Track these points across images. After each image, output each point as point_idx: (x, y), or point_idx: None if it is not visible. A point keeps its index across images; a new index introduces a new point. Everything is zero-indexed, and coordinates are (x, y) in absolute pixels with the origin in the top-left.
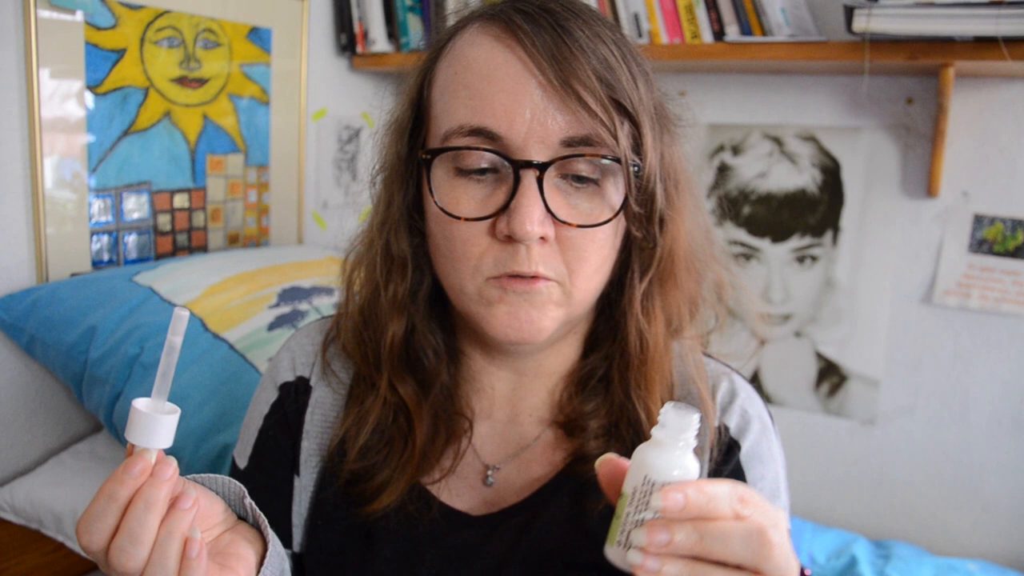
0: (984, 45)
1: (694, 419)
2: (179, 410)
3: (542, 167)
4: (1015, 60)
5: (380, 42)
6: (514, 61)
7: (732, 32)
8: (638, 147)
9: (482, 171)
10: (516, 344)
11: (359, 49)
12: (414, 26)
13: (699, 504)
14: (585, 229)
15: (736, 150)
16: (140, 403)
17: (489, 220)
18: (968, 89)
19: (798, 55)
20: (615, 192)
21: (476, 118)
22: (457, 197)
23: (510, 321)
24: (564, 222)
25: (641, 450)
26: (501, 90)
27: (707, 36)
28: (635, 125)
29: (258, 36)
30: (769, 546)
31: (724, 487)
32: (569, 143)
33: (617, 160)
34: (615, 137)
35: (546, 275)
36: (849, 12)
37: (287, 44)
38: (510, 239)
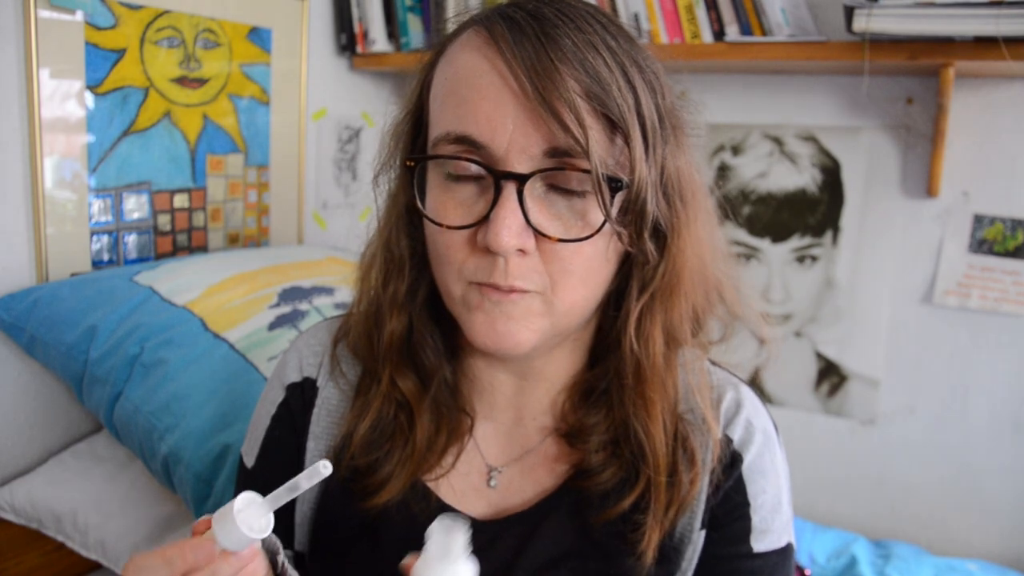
0: (984, 45)
1: (460, 533)
2: (269, 532)
3: (522, 178)
4: (1015, 60)
5: (380, 42)
6: (495, 72)
7: (732, 32)
8: (632, 161)
9: (469, 178)
10: (497, 353)
11: (359, 49)
12: (414, 26)
13: None
14: (569, 243)
15: (736, 150)
16: (241, 501)
17: (471, 229)
18: (968, 89)
19: (798, 55)
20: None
21: (461, 126)
22: (445, 203)
23: (487, 331)
24: (544, 235)
25: (416, 566)
26: (484, 99)
27: (707, 36)
28: (625, 138)
29: (258, 36)
30: None
31: None
32: (553, 154)
33: (597, 175)
34: (587, 153)
35: (524, 288)
36: (849, 12)
37: (287, 44)
38: (488, 250)
